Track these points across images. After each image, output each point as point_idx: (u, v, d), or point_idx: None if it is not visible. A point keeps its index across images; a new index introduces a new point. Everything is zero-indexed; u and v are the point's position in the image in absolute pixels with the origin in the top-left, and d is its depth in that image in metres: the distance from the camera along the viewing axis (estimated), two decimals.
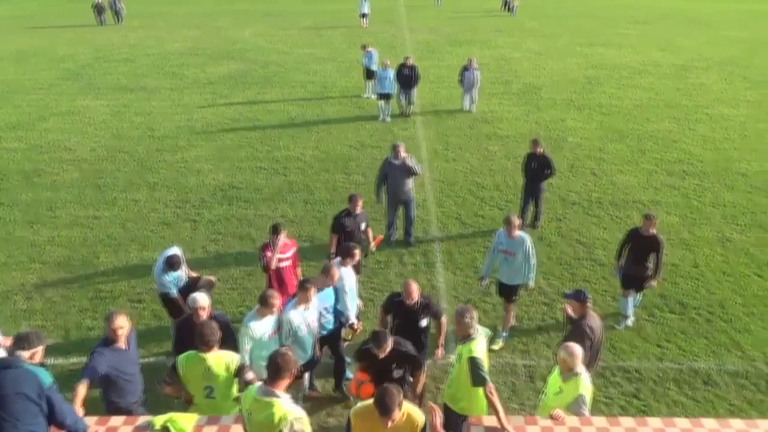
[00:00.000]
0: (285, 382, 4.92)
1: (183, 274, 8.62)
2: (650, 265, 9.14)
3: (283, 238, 8.66)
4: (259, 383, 5.06)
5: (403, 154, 11.39)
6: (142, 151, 16.96)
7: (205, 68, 27.11)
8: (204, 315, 6.81)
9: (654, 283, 9.28)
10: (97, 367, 5.99)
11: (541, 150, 12.03)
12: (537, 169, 12.06)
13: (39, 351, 5.34)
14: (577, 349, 5.89)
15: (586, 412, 5.83)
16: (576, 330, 6.89)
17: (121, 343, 6.21)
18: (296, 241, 9.27)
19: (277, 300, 6.97)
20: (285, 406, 4.85)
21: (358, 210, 9.66)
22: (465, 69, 19.83)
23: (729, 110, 20.64)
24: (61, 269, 11.22)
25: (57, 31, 38.50)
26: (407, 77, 19.21)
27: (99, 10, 40.16)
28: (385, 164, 11.58)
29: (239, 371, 5.95)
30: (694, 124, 19.08)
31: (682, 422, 5.84)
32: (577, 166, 15.70)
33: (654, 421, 5.84)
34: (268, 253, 8.53)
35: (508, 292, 9.17)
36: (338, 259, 8.28)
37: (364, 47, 22.28)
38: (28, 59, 29.60)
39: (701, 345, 9.12)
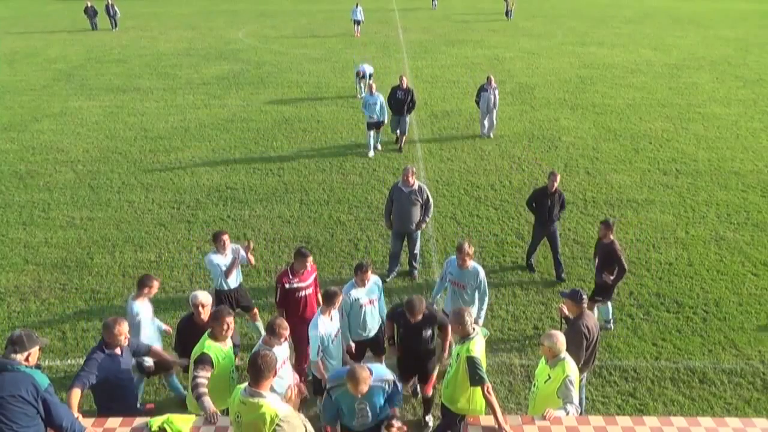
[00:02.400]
0: (269, 382, 4.98)
1: (226, 258, 8.47)
2: (612, 276, 8.89)
3: (309, 265, 7.94)
4: (244, 386, 5.07)
5: (412, 180, 10.11)
6: (136, 152, 16.90)
7: (198, 69, 27.05)
8: (205, 313, 6.78)
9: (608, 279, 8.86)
10: (90, 375, 5.89)
11: (557, 186, 10.41)
12: (552, 207, 10.41)
13: (33, 352, 5.26)
14: (559, 335, 5.99)
15: (575, 393, 5.90)
16: (573, 329, 6.91)
17: (118, 349, 6.14)
18: (315, 265, 8.55)
19: (286, 330, 6.42)
20: (273, 405, 4.91)
21: (418, 317, 6.90)
22: (482, 89, 17.27)
23: (722, 109, 20.74)
24: (56, 271, 11.16)
25: (49, 31, 38.32)
26: (401, 101, 16.34)
27: (92, 13, 37.83)
28: (393, 190, 10.35)
29: (196, 362, 5.98)
30: (687, 123, 19.17)
31: (679, 421, 5.87)
32: (572, 166, 15.74)
33: (651, 420, 5.86)
34: (286, 286, 7.82)
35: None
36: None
37: (358, 69, 21.41)
38: (20, 60, 29.45)
39: (697, 343, 9.15)
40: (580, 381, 7.30)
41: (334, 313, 7.09)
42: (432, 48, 31.74)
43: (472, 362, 6.03)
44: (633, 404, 8.01)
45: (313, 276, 8.12)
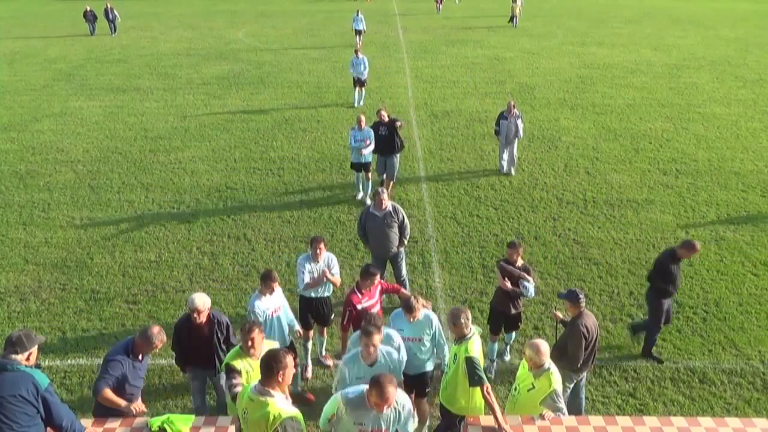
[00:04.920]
0: (278, 382, 4.94)
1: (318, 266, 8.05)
2: (520, 303, 8.34)
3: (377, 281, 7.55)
4: (254, 383, 5.06)
5: (386, 203, 9.33)
6: (136, 152, 16.90)
7: (198, 69, 27.05)
8: (202, 316, 6.75)
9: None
10: (113, 378, 5.87)
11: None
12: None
13: (33, 352, 5.26)
14: (542, 345, 5.92)
15: (563, 405, 5.91)
16: (572, 330, 6.90)
17: (141, 355, 6.12)
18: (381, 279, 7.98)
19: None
20: (279, 405, 4.88)
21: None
22: (502, 116, 14.70)
23: (722, 109, 20.74)
24: (56, 271, 11.16)
25: (49, 31, 38.33)
26: (385, 139, 13.33)
27: (91, 18, 36.30)
28: (365, 215, 9.52)
29: (226, 370, 5.97)
30: (687, 123, 19.17)
31: (679, 421, 5.87)
32: (572, 166, 15.73)
33: (651, 420, 5.87)
34: (358, 307, 7.33)
35: (414, 383, 7.06)
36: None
37: (356, 52, 21.02)
38: (20, 60, 29.46)
39: (697, 343, 9.15)
40: (580, 381, 7.31)
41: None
42: (432, 48, 31.73)
43: (470, 363, 6.02)
44: (633, 404, 8.01)
45: (378, 290, 7.69)
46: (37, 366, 5.34)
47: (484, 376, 6.07)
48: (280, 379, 4.91)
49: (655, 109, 20.70)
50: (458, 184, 14.65)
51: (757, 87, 23.70)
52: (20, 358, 5.15)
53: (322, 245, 8.00)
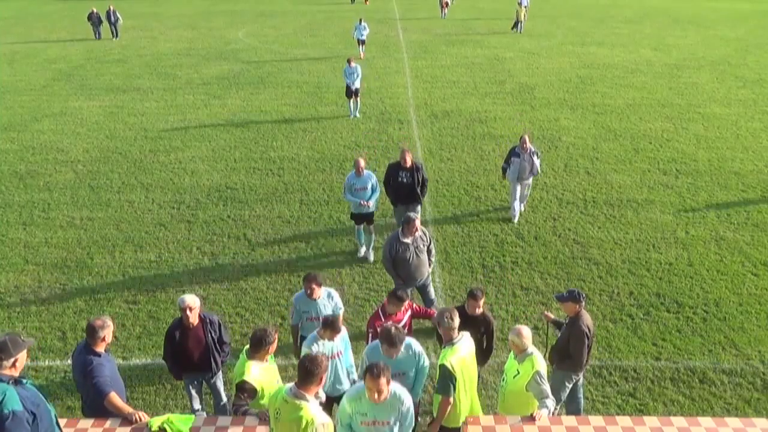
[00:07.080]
0: (315, 387, 4.95)
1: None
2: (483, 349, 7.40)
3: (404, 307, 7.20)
4: (290, 384, 5.06)
5: (416, 227, 8.72)
6: (136, 151, 16.90)
7: (198, 69, 27.06)
8: (193, 316, 6.70)
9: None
10: (108, 377, 5.79)
11: None
12: None
13: (20, 357, 4.88)
14: (524, 329, 6.02)
15: (547, 387, 5.92)
16: (575, 331, 6.85)
17: (104, 349, 5.97)
18: (412, 302, 7.72)
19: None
20: (313, 410, 4.89)
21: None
22: (513, 152, 12.34)
23: (722, 109, 20.74)
24: (56, 271, 11.16)
25: (49, 32, 38.34)
26: (405, 188, 10.87)
27: (96, 20, 35.09)
28: (392, 243, 8.71)
29: (237, 388, 5.88)
30: (687, 123, 19.17)
31: (679, 421, 5.87)
32: (572, 166, 15.74)
33: (651, 420, 5.87)
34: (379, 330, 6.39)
35: None
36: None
37: (349, 61, 19.70)
38: (20, 60, 29.46)
39: (697, 343, 9.15)
40: (577, 381, 7.29)
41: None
42: (432, 48, 31.73)
43: (442, 371, 5.89)
44: (633, 404, 8.01)
45: (407, 315, 7.32)
46: (19, 380, 4.87)
47: (451, 391, 5.87)
48: (318, 382, 4.95)
49: (655, 109, 20.70)
50: (458, 184, 14.65)
51: (757, 87, 23.70)
52: (6, 365, 4.80)
53: (314, 285, 7.21)
